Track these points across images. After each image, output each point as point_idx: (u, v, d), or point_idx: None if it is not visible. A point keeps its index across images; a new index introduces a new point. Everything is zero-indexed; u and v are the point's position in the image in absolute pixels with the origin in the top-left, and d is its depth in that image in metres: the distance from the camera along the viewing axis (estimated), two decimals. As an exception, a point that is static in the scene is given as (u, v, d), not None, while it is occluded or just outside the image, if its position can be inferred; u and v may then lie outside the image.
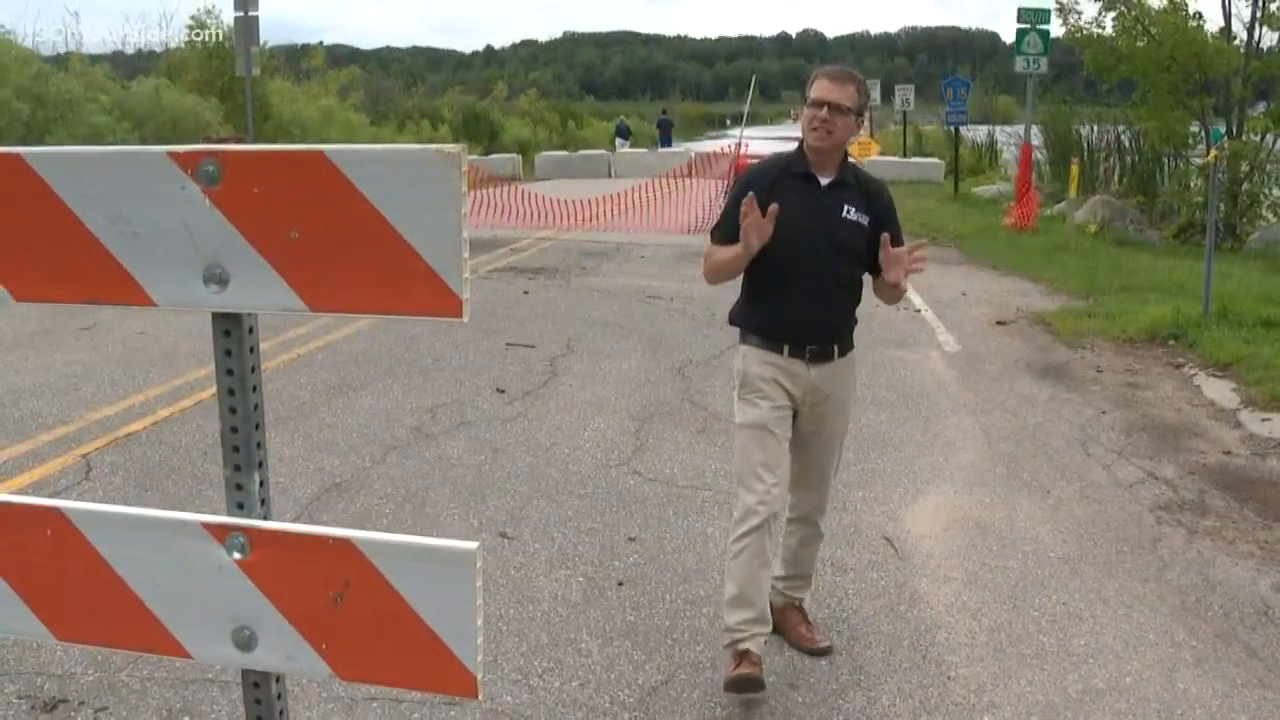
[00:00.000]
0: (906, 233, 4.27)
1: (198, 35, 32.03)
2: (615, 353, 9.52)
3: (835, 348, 4.15)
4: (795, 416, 4.15)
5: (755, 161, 4.42)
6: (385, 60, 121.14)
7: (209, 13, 32.35)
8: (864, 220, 4.08)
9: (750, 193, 3.96)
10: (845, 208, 4.07)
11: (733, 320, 4.32)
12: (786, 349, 4.09)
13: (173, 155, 1.58)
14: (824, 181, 4.10)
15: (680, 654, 4.37)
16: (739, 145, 24.78)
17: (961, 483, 6.44)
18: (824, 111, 3.98)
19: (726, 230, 4.11)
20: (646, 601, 4.85)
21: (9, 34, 26.14)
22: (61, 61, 28.09)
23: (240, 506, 1.72)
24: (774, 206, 3.86)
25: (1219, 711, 4.03)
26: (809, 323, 4.10)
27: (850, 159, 4.22)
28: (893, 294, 4.22)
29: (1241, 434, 7.44)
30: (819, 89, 4.00)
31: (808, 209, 4.03)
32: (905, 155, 35.56)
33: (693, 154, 31.01)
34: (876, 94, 42.32)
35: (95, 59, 30.72)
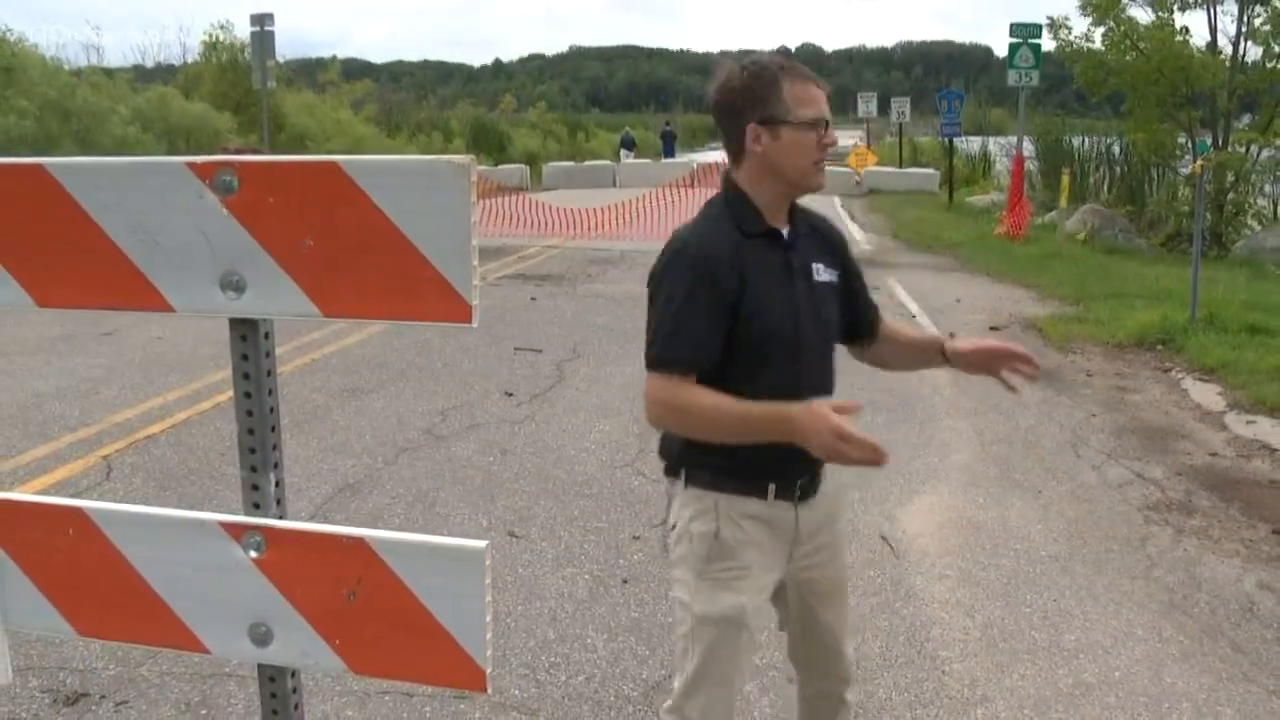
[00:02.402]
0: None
1: (213, 48, 32.24)
2: (620, 357, 9.52)
3: (822, 473, 2.80)
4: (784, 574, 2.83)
5: (685, 231, 2.69)
6: (397, 73, 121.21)
7: (222, 27, 32.55)
8: (834, 276, 2.79)
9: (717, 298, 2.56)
10: (815, 266, 2.73)
11: (676, 462, 2.72)
12: (773, 490, 2.68)
13: (191, 166, 1.58)
14: (785, 234, 2.71)
15: (683, 649, 4.37)
16: None
17: (956, 483, 6.43)
18: (831, 133, 2.63)
19: (695, 354, 2.55)
20: (650, 598, 4.84)
21: (35, 46, 26.26)
22: (83, 74, 28.19)
23: (256, 506, 1.72)
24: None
25: (1205, 705, 4.02)
26: (797, 448, 2.51)
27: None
28: (916, 361, 3.09)
29: (1227, 436, 7.43)
30: (815, 99, 2.60)
31: (782, 278, 2.66)
32: (901, 166, 35.58)
33: (695, 164, 30.99)
34: (873, 106, 42.40)
35: (113, 71, 30.89)
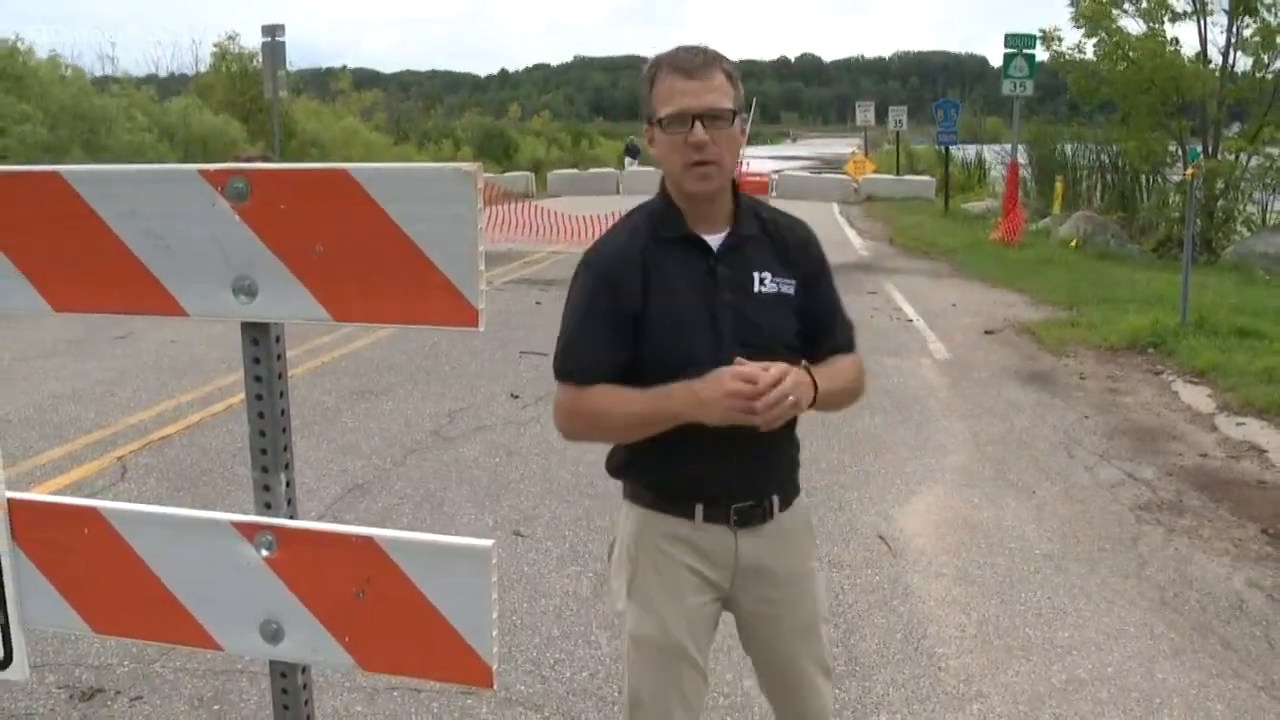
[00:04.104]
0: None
1: (223, 57, 32.30)
2: (623, 360, 9.51)
3: (775, 499, 2.51)
4: (728, 603, 2.58)
5: (600, 238, 2.54)
6: (405, 83, 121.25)
7: (231, 38, 32.62)
8: (788, 286, 2.43)
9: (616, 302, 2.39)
10: (757, 276, 2.41)
11: (614, 469, 2.64)
12: (700, 511, 2.46)
13: (204, 173, 1.58)
14: (715, 242, 2.41)
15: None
16: (740, 164, 24.83)
17: (952, 484, 6.42)
18: (697, 131, 2.27)
19: (593, 363, 2.42)
20: (652, 596, 4.83)
21: (58, 55, 26.34)
22: (100, 84, 28.23)
23: (268, 506, 1.72)
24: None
25: (1196, 700, 4.01)
26: (730, 468, 2.42)
27: (743, 193, 2.49)
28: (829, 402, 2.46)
29: (1217, 437, 7.42)
30: (675, 93, 2.29)
31: (701, 291, 2.38)
32: (898, 173, 35.56)
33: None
34: (871, 114, 42.32)
35: (134, 82, 30.91)
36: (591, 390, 2.40)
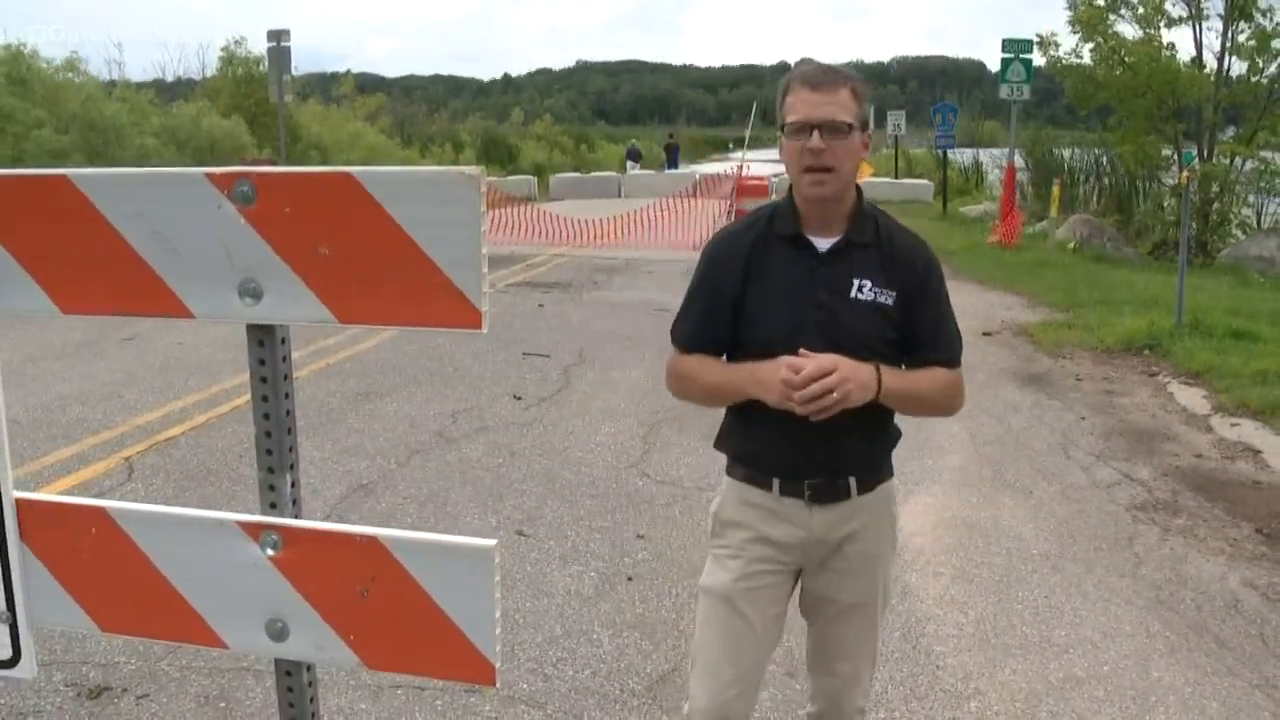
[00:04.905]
0: None
1: (230, 62, 32.33)
2: (625, 362, 9.52)
3: (851, 481, 2.64)
4: (800, 575, 2.77)
5: (732, 223, 2.85)
6: (409, 87, 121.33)
7: (237, 42, 32.65)
8: (887, 298, 2.56)
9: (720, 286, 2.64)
10: (857, 282, 2.55)
11: (716, 443, 2.82)
12: (777, 485, 2.65)
13: (210, 177, 1.57)
14: (823, 246, 2.58)
15: (686, 645, 4.35)
16: (741, 167, 24.89)
17: (950, 484, 6.42)
18: (814, 139, 2.47)
19: (692, 333, 2.71)
20: (654, 595, 4.84)
21: (80, 58, 26.38)
22: (107, 88, 28.25)
23: (273, 506, 1.72)
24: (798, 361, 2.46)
25: (1191, 698, 4.01)
26: (807, 447, 2.58)
27: (868, 203, 2.68)
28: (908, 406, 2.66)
29: (1212, 438, 7.42)
30: (800, 104, 2.51)
31: (798, 287, 2.56)
32: (897, 177, 35.55)
33: (698, 176, 31.03)
34: (870, 119, 42.25)
35: (140, 86, 30.92)
36: (688, 356, 2.71)
